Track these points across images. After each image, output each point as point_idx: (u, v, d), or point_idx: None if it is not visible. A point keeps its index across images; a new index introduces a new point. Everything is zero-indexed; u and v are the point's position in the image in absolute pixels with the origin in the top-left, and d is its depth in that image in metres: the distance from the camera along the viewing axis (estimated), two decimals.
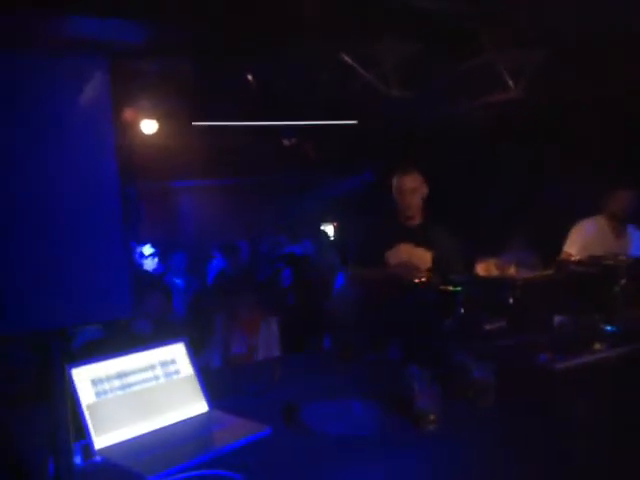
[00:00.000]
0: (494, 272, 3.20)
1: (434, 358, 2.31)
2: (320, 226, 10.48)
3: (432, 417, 1.98)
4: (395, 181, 3.60)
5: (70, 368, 1.85)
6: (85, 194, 1.28)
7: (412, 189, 3.51)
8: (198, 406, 2.12)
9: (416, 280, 3.18)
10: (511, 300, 2.95)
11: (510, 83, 4.78)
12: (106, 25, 3.28)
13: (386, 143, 7.23)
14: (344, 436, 1.92)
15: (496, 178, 6.94)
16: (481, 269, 3.30)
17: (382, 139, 7.36)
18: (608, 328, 2.86)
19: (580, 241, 4.48)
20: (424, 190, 3.57)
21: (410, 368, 2.14)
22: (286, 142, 8.35)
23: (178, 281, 5.99)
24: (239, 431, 1.96)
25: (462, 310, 2.85)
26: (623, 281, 2.91)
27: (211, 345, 3.86)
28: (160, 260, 6.93)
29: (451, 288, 2.84)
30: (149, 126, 6.35)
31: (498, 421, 2.07)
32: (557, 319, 2.97)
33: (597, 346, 2.71)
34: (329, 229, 11.11)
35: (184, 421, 2.04)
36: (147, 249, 7.00)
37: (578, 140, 5.62)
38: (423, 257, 3.40)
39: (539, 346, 2.63)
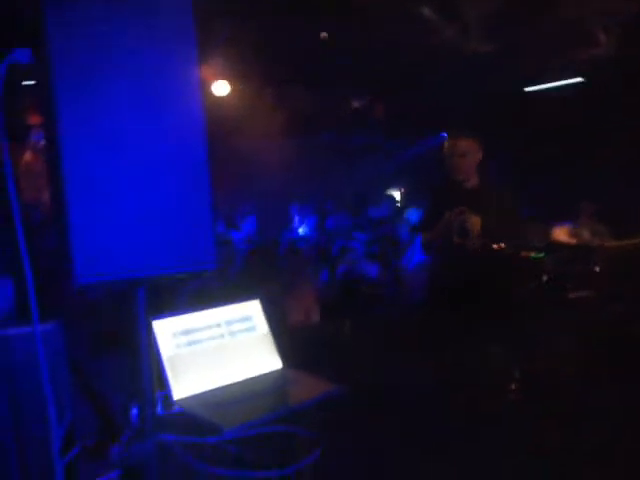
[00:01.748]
0: (571, 239, 3.03)
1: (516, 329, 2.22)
2: (387, 192, 10.32)
3: (513, 386, 1.91)
4: (445, 144, 3.55)
5: (152, 320, 1.89)
6: (174, 145, 1.26)
7: (460, 153, 3.44)
8: (272, 362, 2.13)
9: (494, 246, 3.05)
10: (597, 268, 2.79)
11: (601, 37, 4.44)
12: None
13: (459, 107, 6.95)
14: (412, 401, 1.88)
15: (567, 144, 6.58)
16: (561, 234, 3.13)
17: (455, 102, 7.08)
18: None
19: None
20: (477, 154, 3.49)
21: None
22: (356, 104, 8.19)
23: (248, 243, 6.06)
24: (311, 389, 1.96)
25: (545, 278, 2.72)
26: None
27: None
28: (224, 221, 7.01)
29: (533, 254, 2.70)
30: (221, 87, 6.36)
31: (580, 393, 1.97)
32: None
33: None
34: (396, 194, 10.93)
35: (259, 376, 2.06)
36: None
37: None
38: (474, 222, 3.27)
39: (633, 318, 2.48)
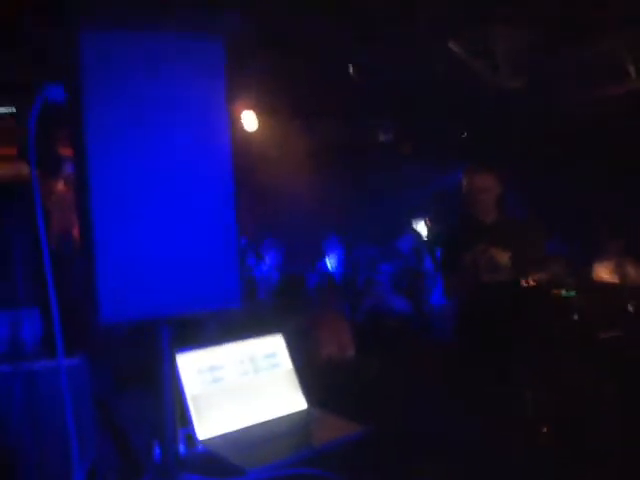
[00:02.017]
0: (614, 277, 2.94)
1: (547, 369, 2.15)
2: (413, 223, 10.27)
3: (545, 429, 1.83)
4: (464, 180, 3.46)
5: (176, 353, 1.87)
6: (200, 181, 1.26)
7: (479, 189, 3.36)
8: (297, 402, 2.09)
9: (523, 283, 2.98)
10: (630, 307, 2.70)
11: (631, 70, 4.38)
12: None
13: (484, 141, 6.94)
14: (442, 442, 1.82)
15: (593, 177, 6.47)
16: (603, 272, 3.04)
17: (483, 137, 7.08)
18: None
19: None
20: (496, 190, 3.40)
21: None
22: (382, 137, 8.23)
23: (274, 275, 6.06)
24: (337, 430, 1.91)
25: (575, 316, 2.64)
26: None
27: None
28: (253, 254, 7.04)
29: (564, 292, 2.63)
30: (250, 121, 6.45)
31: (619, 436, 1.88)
32: None
33: None
34: (421, 227, 10.87)
35: (283, 417, 2.02)
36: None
37: None
38: (501, 257, 3.17)
39: None
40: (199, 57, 1.28)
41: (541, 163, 6.78)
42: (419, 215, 10.91)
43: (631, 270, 3.91)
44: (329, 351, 3.88)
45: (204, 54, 1.28)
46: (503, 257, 3.11)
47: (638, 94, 4.73)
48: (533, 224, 3.43)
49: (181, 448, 1.78)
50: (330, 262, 6.71)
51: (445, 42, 4.13)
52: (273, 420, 1.98)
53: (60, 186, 5.06)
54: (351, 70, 4.94)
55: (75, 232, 3.53)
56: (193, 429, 1.83)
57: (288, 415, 2.03)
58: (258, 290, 5.67)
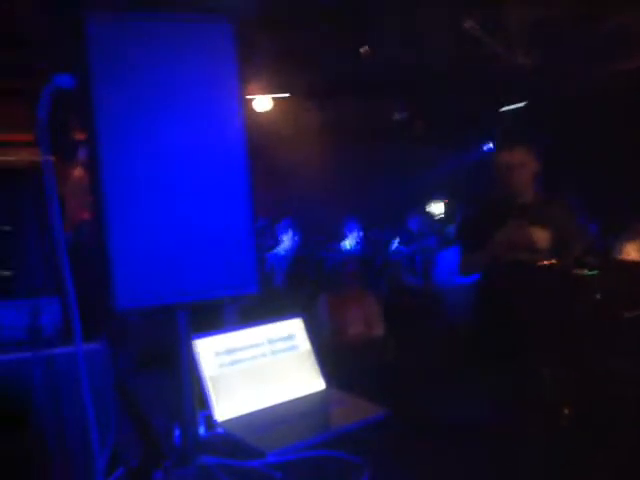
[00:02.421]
0: None
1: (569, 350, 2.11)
2: (428, 204, 10.21)
3: (567, 412, 1.81)
4: (498, 156, 3.31)
5: (194, 339, 1.88)
6: (213, 165, 1.25)
7: (511, 165, 3.17)
8: (315, 383, 2.08)
9: (543, 262, 2.92)
10: None
11: None
12: None
13: (505, 116, 6.83)
14: (461, 424, 1.80)
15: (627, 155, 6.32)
16: (632, 251, 2.95)
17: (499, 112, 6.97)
18: None
19: None
20: (532, 166, 3.21)
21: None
22: (397, 116, 8.14)
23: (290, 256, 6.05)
24: (356, 412, 1.91)
25: (598, 296, 2.59)
26: None
27: (318, 324, 3.82)
28: (269, 234, 7.04)
29: (586, 272, 2.58)
30: (264, 102, 6.41)
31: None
32: None
33: None
34: (439, 206, 10.79)
35: (301, 398, 2.02)
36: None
37: None
38: (539, 236, 3.02)
39: None
40: (208, 39, 1.26)
41: (560, 141, 6.65)
42: (436, 195, 10.83)
43: None
44: (357, 330, 3.80)
45: (213, 36, 1.26)
46: (542, 236, 2.97)
47: None
48: (566, 204, 3.29)
49: (200, 430, 1.80)
50: (348, 243, 6.69)
51: (459, 20, 4.04)
52: (291, 401, 1.98)
53: (77, 171, 5.08)
54: (365, 50, 4.87)
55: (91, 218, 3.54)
56: (212, 411, 1.83)
57: (306, 396, 2.03)
58: (275, 273, 5.68)
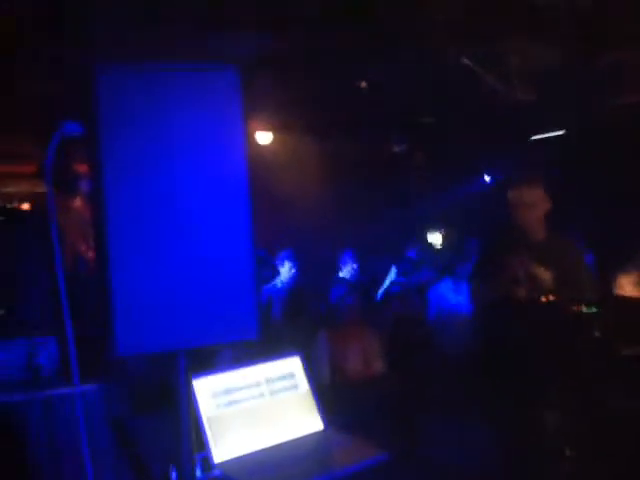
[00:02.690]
0: (637, 287, 2.86)
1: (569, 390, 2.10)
2: (426, 235, 10.22)
3: (571, 454, 1.79)
4: (510, 194, 3.32)
5: (192, 379, 1.86)
6: (216, 209, 1.26)
7: (528, 204, 3.18)
8: (314, 423, 2.06)
9: (542, 298, 2.92)
10: None
11: None
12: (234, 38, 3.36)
13: (504, 149, 6.90)
14: (463, 467, 1.78)
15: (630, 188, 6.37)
16: (626, 285, 2.95)
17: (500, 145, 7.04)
18: None
19: None
20: (545, 205, 3.23)
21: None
22: (396, 149, 8.21)
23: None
24: (355, 453, 1.88)
25: (597, 333, 2.58)
26: None
27: (317, 361, 3.76)
28: (267, 265, 6.99)
29: (585, 309, 2.58)
30: (264, 137, 6.47)
31: None
32: None
33: None
34: (437, 237, 10.81)
35: (299, 439, 1.99)
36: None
37: None
38: (543, 276, 3.01)
39: None
40: (212, 86, 1.28)
41: (560, 172, 6.70)
42: (434, 226, 10.87)
43: None
44: (355, 366, 3.73)
45: (217, 83, 1.28)
46: (545, 275, 2.97)
47: None
48: (573, 244, 3.28)
49: (198, 472, 1.77)
50: (345, 275, 6.66)
51: (459, 57, 4.10)
52: (290, 442, 1.96)
53: (77, 203, 5.09)
54: (365, 84, 4.94)
55: (91, 254, 3.54)
56: (210, 452, 1.81)
57: (305, 437, 2.01)
58: (273, 306, 5.64)
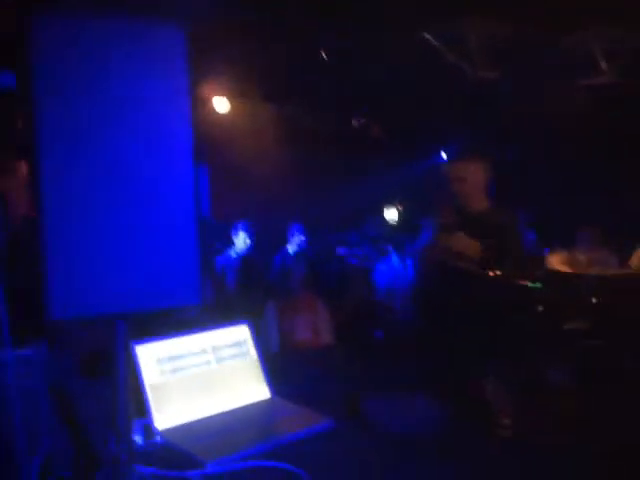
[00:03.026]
0: (565, 266, 2.97)
1: (510, 361, 2.16)
2: (382, 210, 10.31)
3: (507, 422, 1.85)
4: (445, 168, 3.43)
5: (135, 345, 1.83)
6: (158, 173, 1.22)
7: (460, 177, 3.27)
8: (260, 392, 2.07)
9: (490, 273, 2.99)
10: (594, 299, 2.74)
11: (603, 66, 4.42)
12: None
13: (460, 126, 6.96)
14: (407, 434, 1.82)
15: (577, 167, 6.56)
16: (556, 261, 3.06)
17: (455, 122, 7.10)
18: None
19: None
20: (479, 178, 3.30)
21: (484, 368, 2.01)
22: (355, 123, 8.20)
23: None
24: (300, 421, 1.90)
25: (540, 308, 2.66)
26: None
27: (266, 330, 3.77)
28: (222, 236, 6.94)
29: (529, 284, 2.65)
30: (221, 104, 6.35)
31: (579, 430, 1.90)
32: None
33: None
34: (392, 212, 10.91)
35: (245, 407, 2.00)
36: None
37: None
38: (472, 248, 3.10)
39: (626, 348, 2.43)
40: (157, 43, 1.22)
41: (512, 150, 6.84)
42: (389, 201, 10.94)
43: (583, 261, 3.95)
44: (304, 337, 3.76)
45: (163, 40, 1.23)
46: (474, 247, 3.06)
47: (611, 87, 4.78)
48: (515, 216, 3.38)
49: (139, 439, 1.75)
50: (290, 248, 6.67)
51: (417, 32, 4.09)
52: (235, 410, 1.96)
53: (25, 167, 4.90)
54: (324, 55, 4.88)
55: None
56: (151, 419, 1.79)
57: (250, 405, 2.01)
58: (226, 276, 5.60)
